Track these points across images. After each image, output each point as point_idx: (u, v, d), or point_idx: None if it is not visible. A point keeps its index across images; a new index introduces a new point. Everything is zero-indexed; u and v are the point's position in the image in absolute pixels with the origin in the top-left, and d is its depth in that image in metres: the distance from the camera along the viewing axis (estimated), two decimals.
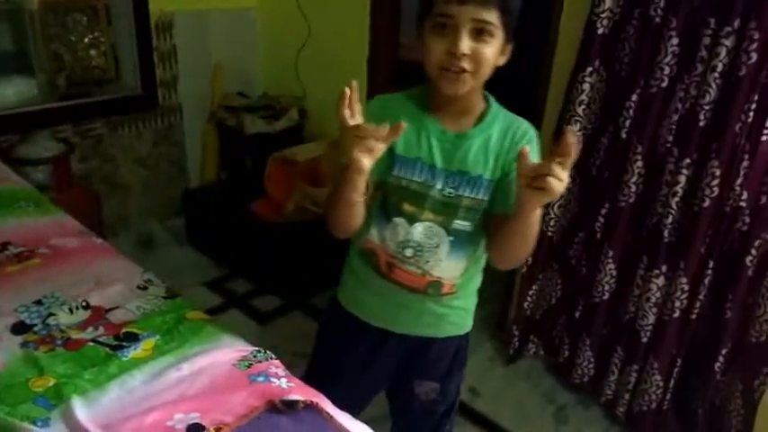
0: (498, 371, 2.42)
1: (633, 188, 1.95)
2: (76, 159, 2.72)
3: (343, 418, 1.16)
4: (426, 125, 1.18)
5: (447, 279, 1.25)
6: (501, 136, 1.18)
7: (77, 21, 2.76)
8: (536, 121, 2.24)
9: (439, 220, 1.19)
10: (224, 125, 3.02)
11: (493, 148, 1.18)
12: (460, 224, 1.20)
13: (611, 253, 2.03)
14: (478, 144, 1.17)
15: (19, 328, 1.33)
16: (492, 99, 1.22)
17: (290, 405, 1.15)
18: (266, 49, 3.30)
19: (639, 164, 1.91)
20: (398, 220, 1.21)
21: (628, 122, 1.90)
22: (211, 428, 1.11)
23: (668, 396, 2.02)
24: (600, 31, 1.90)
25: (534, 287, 2.33)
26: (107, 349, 1.29)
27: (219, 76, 3.12)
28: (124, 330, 1.34)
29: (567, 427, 2.18)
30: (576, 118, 2.03)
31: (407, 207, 1.19)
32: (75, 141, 2.71)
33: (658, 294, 1.94)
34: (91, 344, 1.30)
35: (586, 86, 1.98)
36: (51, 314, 1.37)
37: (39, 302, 1.41)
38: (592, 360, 2.19)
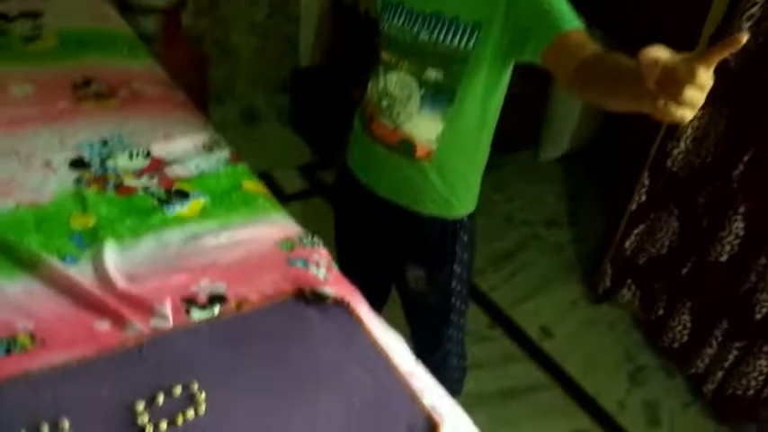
0: (579, 315, 2.20)
1: None
2: (189, 14, 2.66)
3: (373, 323, 1.04)
4: None
5: (420, 140, 1.17)
6: None
7: None
8: (692, 35, 1.87)
9: (412, 69, 1.13)
10: (340, 4, 2.84)
11: None
12: (433, 74, 1.11)
13: (742, 208, 1.71)
14: None
15: (77, 164, 1.31)
16: None
17: (320, 297, 1.04)
18: None
19: None
20: (380, 68, 1.18)
21: None
22: (233, 302, 1.04)
23: None
24: None
25: (642, 226, 2.04)
26: (155, 201, 1.24)
27: None
28: (176, 187, 1.28)
29: (641, 390, 1.96)
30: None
31: (385, 55, 1.17)
32: None
33: None
34: (141, 193, 1.25)
35: None
36: (111, 156, 1.33)
37: (104, 143, 1.38)
38: (688, 325, 1.93)
